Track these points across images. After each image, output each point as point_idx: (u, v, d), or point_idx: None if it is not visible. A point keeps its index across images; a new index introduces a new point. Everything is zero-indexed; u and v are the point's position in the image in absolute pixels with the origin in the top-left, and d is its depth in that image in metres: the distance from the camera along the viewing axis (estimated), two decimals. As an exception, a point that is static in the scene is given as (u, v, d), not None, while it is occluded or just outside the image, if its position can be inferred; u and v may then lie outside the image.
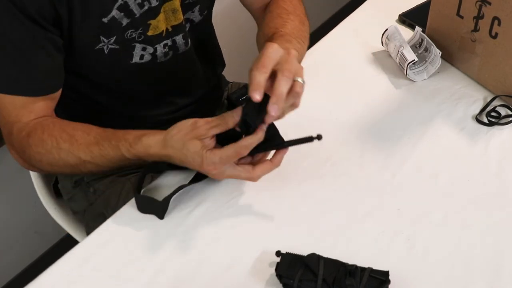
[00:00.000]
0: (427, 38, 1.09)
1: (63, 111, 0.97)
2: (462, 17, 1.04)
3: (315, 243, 0.80)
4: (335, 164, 0.93)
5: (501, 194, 0.88)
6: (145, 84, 1.05)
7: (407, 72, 1.08)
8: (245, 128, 0.80)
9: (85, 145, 0.88)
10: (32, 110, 0.91)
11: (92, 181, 1.11)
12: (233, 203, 0.88)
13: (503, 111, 1.01)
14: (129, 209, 0.89)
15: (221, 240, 0.84)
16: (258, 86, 0.76)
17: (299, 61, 0.96)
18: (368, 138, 0.98)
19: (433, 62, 1.08)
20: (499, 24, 0.98)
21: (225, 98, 1.27)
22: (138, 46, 0.97)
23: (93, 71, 0.99)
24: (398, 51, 1.09)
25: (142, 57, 0.99)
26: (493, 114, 1.01)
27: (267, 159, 0.85)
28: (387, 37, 1.13)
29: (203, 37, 1.13)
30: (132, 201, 0.89)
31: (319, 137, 0.80)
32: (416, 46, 1.11)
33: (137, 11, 0.93)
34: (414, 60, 1.06)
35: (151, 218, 0.87)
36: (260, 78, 0.76)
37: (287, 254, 0.76)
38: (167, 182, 0.92)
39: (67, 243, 0.91)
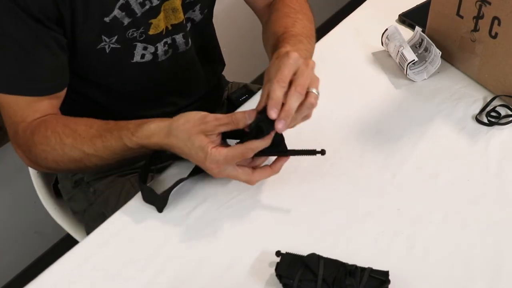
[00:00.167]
0: (427, 38, 1.09)
1: (63, 111, 0.97)
2: (462, 17, 1.04)
3: (315, 243, 0.80)
4: (335, 164, 0.93)
5: (501, 194, 0.88)
6: (146, 84, 1.05)
7: (407, 72, 1.08)
8: (256, 132, 0.79)
9: (88, 138, 0.88)
10: (37, 110, 0.91)
11: (92, 181, 1.11)
12: (233, 203, 0.88)
13: (503, 111, 1.01)
14: (129, 209, 0.89)
15: (221, 240, 0.84)
16: (276, 103, 0.77)
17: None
18: (368, 138, 0.98)
19: (433, 62, 1.08)
20: (499, 24, 0.98)
21: (225, 98, 1.27)
22: (139, 46, 0.97)
23: (94, 71, 0.99)
24: (398, 51, 1.09)
25: (143, 56, 0.99)
26: (493, 114, 1.01)
27: (267, 165, 0.85)
28: (387, 37, 1.13)
29: (204, 37, 1.13)
30: (132, 201, 0.89)
31: (322, 152, 0.82)
32: (416, 46, 1.11)
33: (138, 10, 0.93)
34: (414, 60, 1.06)
35: (151, 218, 0.87)
36: (279, 94, 0.77)
37: (287, 254, 0.76)
38: (170, 178, 0.92)
39: (67, 243, 0.91)
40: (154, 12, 0.95)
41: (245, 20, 1.84)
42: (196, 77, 1.13)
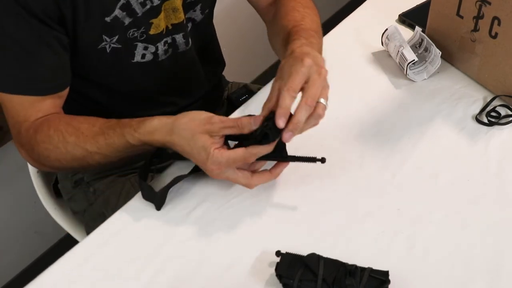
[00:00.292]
0: (427, 38, 1.09)
1: (64, 110, 0.97)
2: (462, 17, 1.04)
3: (315, 243, 0.80)
4: (335, 164, 0.93)
5: (501, 194, 0.88)
6: (146, 83, 1.05)
7: (407, 72, 1.08)
8: (260, 137, 0.79)
9: (91, 136, 0.88)
10: (40, 109, 0.91)
11: (92, 181, 1.11)
12: (233, 203, 0.88)
13: (503, 111, 1.01)
14: (129, 209, 0.89)
15: (221, 240, 0.84)
16: (285, 113, 0.77)
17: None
18: (368, 138, 0.98)
19: (433, 62, 1.08)
20: (499, 24, 0.98)
21: (225, 98, 1.27)
22: (140, 45, 0.97)
23: (94, 71, 0.99)
24: (398, 51, 1.09)
25: (143, 56, 0.99)
26: (493, 114, 1.01)
27: (266, 170, 0.85)
28: (387, 37, 1.13)
29: (204, 37, 1.13)
30: (132, 201, 0.89)
31: (322, 160, 0.83)
32: (416, 46, 1.11)
33: (139, 10, 0.93)
34: (414, 60, 1.06)
35: (151, 218, 0.87)
36: (289, 103, 0.77)
37: (287, 254, 0.76)
38: (170, 177, 0.92)
39: (67, 243, 0.91)
40: (155, 12, 0.95)
41: (245, 20, 1.84)
42: (196, 77, 1.13)
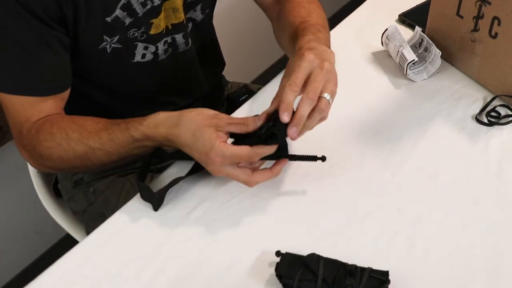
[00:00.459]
0: (427, 38, 1.09)
1: (64, 111, 0.97)
2: (462, 17, 1.04)
3: (315, 243, 0.80)
4: (335, 164, 0.93)
5: (501, 194, 0.88)
6: (146, 83, 1.05)
7: (407, 72, 1.08)
8: (265, 137, 0.80)
9: (94, 132, 0.88)
10: (41, 110, 0.91)
11: (92, 181, 1.11)
12: (233, 203, 0.88)
13: (503, 111, 1.01)
14: (129, 209, 0.89)
15: (221, 240, 0.84)
16: (288, 108, 0.77)
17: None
18: (368, 138, 0.98)
19: (433, 62, 1.08)
20: (499, 24, 0.98)
21: (225, 98, 1.27)
22: (140, 45, 0.97)
23: (95, 71, 0.99)
24: (398, 51, 1.09)
25: (144, 56, 0.99)
26: (493, 114, 1.01)
27: (267, 168, 0.85)
28: (387, 37, 1.13)
29: (204, 37, 1.13)
30: (132, 201, 0.89)
31: (323, 159, 0.84)
32: (416, 46, 1.11)
33: (140, 10, 0.93)
34: (414, 60, 1.06)
35: (151, 218, 0.87)
36: (291, 98, 0.78)
37: (287, 254, 0.77)
38: (169, 178, 0.92)
39: (67, 243, 0.91)
40: (155, 12, 0.95)
41: (245, 20, 1.84)
42: (196, 77, 1.13)
